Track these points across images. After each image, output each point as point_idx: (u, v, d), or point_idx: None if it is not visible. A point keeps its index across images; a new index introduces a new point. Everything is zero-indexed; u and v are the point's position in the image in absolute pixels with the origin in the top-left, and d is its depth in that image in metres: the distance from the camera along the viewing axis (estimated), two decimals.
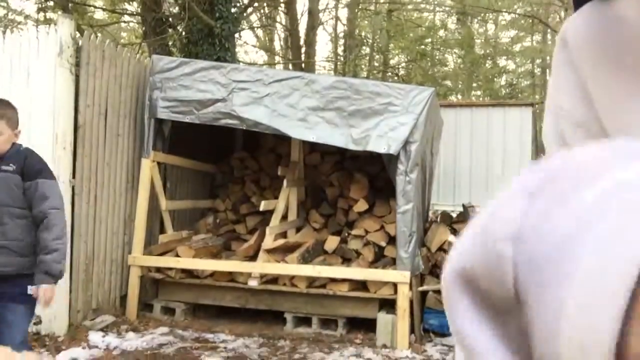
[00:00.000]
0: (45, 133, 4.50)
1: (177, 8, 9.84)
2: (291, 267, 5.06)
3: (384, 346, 4.69)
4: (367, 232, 5.53)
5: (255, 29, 19.12)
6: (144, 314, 5.37)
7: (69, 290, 4.59)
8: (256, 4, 14.41)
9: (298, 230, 6.13)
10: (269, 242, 5.32)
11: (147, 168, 5.34)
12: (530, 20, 21.81)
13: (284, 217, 5.84)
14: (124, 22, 15.94)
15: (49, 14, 11.87)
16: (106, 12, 13.98)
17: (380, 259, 5.40)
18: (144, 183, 5.33)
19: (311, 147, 6.53)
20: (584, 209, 0.24)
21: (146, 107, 5.30)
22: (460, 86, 21.09)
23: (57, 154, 4.48)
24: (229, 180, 7.00)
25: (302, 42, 14.96)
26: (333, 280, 5.00)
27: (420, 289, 4.91)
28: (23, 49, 4.61)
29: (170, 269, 5.35)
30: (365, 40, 17.46)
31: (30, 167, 2.73)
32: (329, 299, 5.04)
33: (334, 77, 11.09)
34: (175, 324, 5.20)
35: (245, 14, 12.55)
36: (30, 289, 2.61)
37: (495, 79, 21.05)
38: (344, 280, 4.97)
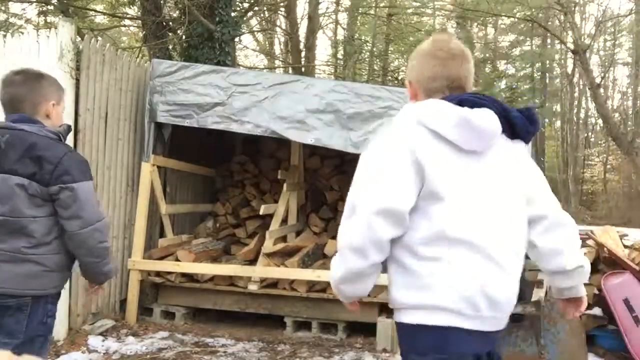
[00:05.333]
0: None
1: (177, 12, 9.86)
2: (291, 271, 5.05)
3: (384, 350, 4.67)
4: None
5: (256, 33, 19.16)
6: (144, 318, 5.36)
7: (68, 295, 4.58)
8: (256, 8, 14.44)
9: (298, 234, 6.13)
10: (268, 246, 5.32)
11: (147, 172, 5.34)
12: (530, 24, 21.85)
13: (284, 221, 5.83)
14: (124, 26, 15.96)
15: (49, 18, 11.90)
16: (106, 16, 14.00)
17: None
18: (143, 187, 5.33)
19: (311, 151, 6.54)
20: None
21: (146, 111, 5.31)
22: None
23: None
24: (229, 184, 7.01)
25: (302, 46, 14.98)
26: None
27: None
28: (23, 53, 4.61)
29: (170, 273, 5.34)
30: (365, 44, 17.48)
31: None
32: (329, 303, 5.03)
33: (333, 80, 11.08)
34: (175, 328, 5.19)
35: (245, 18, 12.56)
36: None
37: (495, 83, 21.06)
38: None
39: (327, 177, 6.55)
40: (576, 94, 30.78)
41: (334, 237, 5.88)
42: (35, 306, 2.23)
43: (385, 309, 4.94)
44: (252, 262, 5.49)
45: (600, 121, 26.65)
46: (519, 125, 1.73)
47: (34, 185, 2.14)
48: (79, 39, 5.26)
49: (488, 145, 1.68)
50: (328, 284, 4.98)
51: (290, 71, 15.30)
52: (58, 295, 2.34)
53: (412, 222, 1.62)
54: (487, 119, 1.66)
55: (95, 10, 12.99)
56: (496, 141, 1.70)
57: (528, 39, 26.79)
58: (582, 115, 31.92)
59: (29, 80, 2.27)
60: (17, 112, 2.23)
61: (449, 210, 1.61)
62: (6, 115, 2.27)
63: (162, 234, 5.83)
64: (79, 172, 2.21)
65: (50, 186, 2.15)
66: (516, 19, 20.78)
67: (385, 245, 1.62)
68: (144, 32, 10.26)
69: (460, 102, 1.69)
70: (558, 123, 32.04)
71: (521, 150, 1.78)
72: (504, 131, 1.71)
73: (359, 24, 18.08)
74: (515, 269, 1.71)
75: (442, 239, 1.60)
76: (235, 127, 5.13)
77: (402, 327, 1.69)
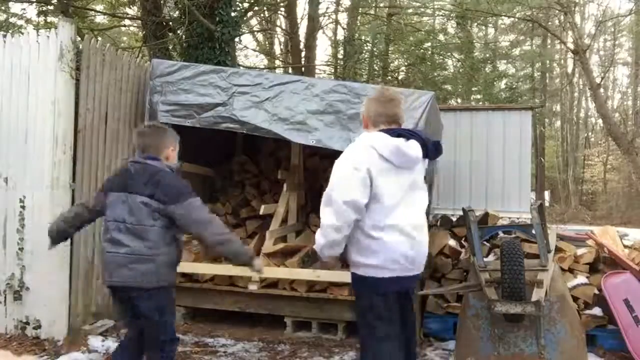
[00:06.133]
0: (45, 137, 4.50)
1: (177, 12, 9.86)
2: (291, 271, 5.05)
3: None
4: None
5: (256, 32, 19.16)
6: None
7: (68, 294, 4.58)
8: (256, 8, 14.44)
9: (298, 234, 6.13)
10: (268, 246, 5.32)
11: None
12: (530, 24, 21.84)
13: (284, 221, 5.83)
14: (124, 26, 15.98)
15: (49, 18, 11.90)
16: (106, 16, 14.00)
17: None
18: None
19: (311, 151, 6.53)
20: None
21: (146, 111, 5.30)
22: (460, 90, 21.09)
23: (57, 158, 4.48)
24: (229, 184, 7.00)
25: (302, 46, 14.99)
26: (333, 284, 5.00)
27: (421, 293, 4.90)
28: (23, 53, 4.61)
29: None
30: (365, 45, 17.46)
31: None
32: (329, 303, 5.03)
33: (334, 81, 11.08)
34: (175, 328, 5.18)
35: (245, 18, 12.57)
36: None
37: (495, 83, 21.04)
38: (344, 284, 4.96)
39: (327, 177, 6.54)
40: (576, 94, 30.80)
41: None
42: (157, 294, 3.06)
43: None
44: None
45: (600, 121, 26.64)
46: (430, 151, 2.88)
47: (154, 203, 2.97)
48: (79, 39, 5.26)
49: (413, 165, 2.83)
50: (328, 284, 5.01)
51: (290, 71, 15.31)
52: (172, 285, 3.18)
53: (365, 214, 2.72)
54: (414, 149, 2.78)
55: (95, 10, 13.00)
56: (419, 161, 2.86)
57: (528, 39, 26.78)
58: (582, 115, 31.93)
59: (156, 132, 3.24)
60: (146, 153, 3.13)
61: (384, 207, 2.72)
62: (138, 154, 3.18)
63: None
64: (188, 193, 3.03)
65: (167, 205, 2.97)
66: (516, 19, 20.77)
67: (352, 224, 2.72)
68: (144, 32, 10.27)
69: (399, 135, 2.77)
70: (558, 123, 32.05)
71: (424, 165, 2.98)
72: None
73: (359, 24, 18.07)
74: (423, 239, 2.91)
75: (380, 225, 2.73)
76: (236, 128, 5.12)
77: (355, 276, 2.87)
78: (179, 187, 3.03)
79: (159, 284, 3.05)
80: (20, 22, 12.61)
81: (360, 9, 16.88)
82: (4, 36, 4.71)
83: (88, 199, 3.38)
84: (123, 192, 3.04)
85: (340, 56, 17.92)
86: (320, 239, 2.79)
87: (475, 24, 20.76)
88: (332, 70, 18.26)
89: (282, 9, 15.85)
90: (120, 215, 3.02)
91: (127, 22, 14.75)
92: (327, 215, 2.73)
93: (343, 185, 2.70)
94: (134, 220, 2.98)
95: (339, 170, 2.76)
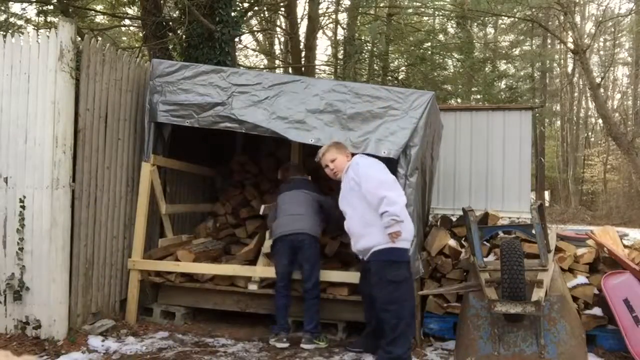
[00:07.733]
0: (45, 137, 4.50)
1: (177, 12, 9.86)
2: None
3: None
4: None
5: (256, 32, 19.16)
6: (144, 318, 5.36)
7: (68, 294, 4.58)
8: (256, 8, 14.44)
9: None
10: (268, 245, 5.31)
11: (147, 172, 5.34)
12: (530, 24, 21.85)
13: None
14: (124, 26, 15.97)
15: (49, 18, 11.89)
16: (106, 16, 14.00)
17: None
18: (143, 187, 5.33)
19: (311, 151, 6.52)
20: None
21: (146, 110, 5.30)
22: (460, 90, 21.09)
23: (57, 158, 4.48)
24: (229, 184, 7.00)
25: (302, 46, 14.98)
26: (333, 284, 5.00)
27: (421, 293, 4.90)
28: (23, 53, 4.61)
29: (170, 273, 5.34)
30: (365, 45, 17.45)
31: None
32: (329, 303, 5.03)
33: (333, 80, 11.07)
34: (175, 328, 5.19)
35: (245, 18, 12.56)
36: None
37: (495, 83, 21.04)
38: (343, 284, 4.96)
39: (327, 177, 6.53)
40: (576, 94, 30.80)
41: (334, 238, 5.89)
42: (315, 243, 4.93)
43: None
44: (252, 262, 5.48)
45: (600, 121, 26.64)
46: None
47: (310, 193, 5.15)
48: (79, 39, 5.26)
49: None
50: (328, 283, 5.01)
51: (290, 71, 15.31)
52: (319, 239, 5.09)
53: None
54: None
55: (95, 10, 12.99)
56: None
57: (528, 39, 26.81)
58: (582, 115, 31.93)
59: (296, 165, 5.83)
60: (296, 174, 5.49)
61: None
62: (292, 173, 5.53)
63: (162, 234, 5.83)
64: (319, 188, 5.39)
65: (315, 194, 5.18)
66: (516, 19, 20.78)
67: None
68: (144, 32, 10.25)
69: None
70: (558, 123, 32.07)
71: None
72: None
73: (359, 24, 18.06)
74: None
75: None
76: (235, 127, 5.12)
77: (395, 249, 4.03)
78: (317, 186, 5.36)
79: (316, 234, 4.93)
80: (20, 22, 12.62)
81: (360, 9, 16.86)
82: (4, 36, 4.70)
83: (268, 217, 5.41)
84: (292, 191, 5.14)
85: (340, 56, 17.91)
86: (398, 198, 4.00)
87: (475, 24, 20.75)
88: (332, 70, 18.26)
89: (282, 9, 15.84)
90: (291, 200, 5.06)
91: (127, 22, 14.75)
92: (391, 187, 4.08)
93: (383, 171, 4.19)
94: (298, 201, 5.04)
95: (376, 171, 4.19)
